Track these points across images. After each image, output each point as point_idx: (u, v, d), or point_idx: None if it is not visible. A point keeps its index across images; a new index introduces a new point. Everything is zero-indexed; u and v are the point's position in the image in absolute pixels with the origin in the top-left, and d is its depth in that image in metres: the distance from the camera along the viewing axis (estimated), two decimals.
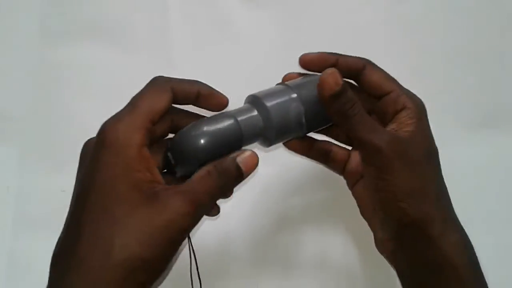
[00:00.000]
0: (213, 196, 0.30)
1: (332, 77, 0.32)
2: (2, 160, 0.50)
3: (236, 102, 0.51)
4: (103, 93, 0.52)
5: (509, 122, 0.53)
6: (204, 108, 0.35)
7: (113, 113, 0.51)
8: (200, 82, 0.34)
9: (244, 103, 0.35)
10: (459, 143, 0.52)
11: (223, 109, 0.35)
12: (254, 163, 0.32)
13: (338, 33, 0.53)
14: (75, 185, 0.31)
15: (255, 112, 0.33)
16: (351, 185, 0.38)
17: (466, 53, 0.53)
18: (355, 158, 0.37)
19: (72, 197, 0.30)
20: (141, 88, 0.32)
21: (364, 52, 0.52)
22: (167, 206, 0.28)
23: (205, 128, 0.31)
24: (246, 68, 0.52)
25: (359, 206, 0.37)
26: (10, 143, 0.50)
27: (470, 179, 0.52)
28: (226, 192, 0.32)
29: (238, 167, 0.31)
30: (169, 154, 0.32)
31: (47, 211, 0.49)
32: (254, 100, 0.34)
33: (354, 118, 0.32)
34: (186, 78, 0.53)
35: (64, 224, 0.30)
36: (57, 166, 0.50)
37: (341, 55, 0.36)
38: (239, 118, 0.32)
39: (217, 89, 0.51)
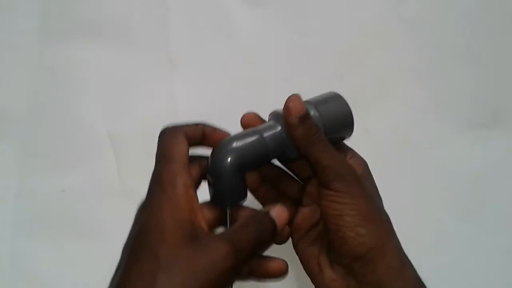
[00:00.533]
0: (252, 245, 0.31)
1: (297, 100, 0.34)
2: (2, 160, 0.50)
3: (235, 101, 0.51)
4: (103, 92, 0.52)
5: (509, 122, 0.53)
6: (210, 146, 0.36)
7: (112, 112, 0.52)
8: (203, 123, 0.36)
9: (268, 119, 0.37)
10: (459, 143, 0.52)
11: None
12: (286, 218, 0.33)
13: (338, 32, 0.53)
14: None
15: (279, 128, 0.35)
16: (296, 241, 0.38)
17: (467, 53, 0.53)
18: (303, 213, 0.38)
19: (126, 238, 0.31)
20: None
21: (365, 51, 0.53)
22: (208, 247, 0.29)
23: (234, 145, 0.33)
24: (245, 67, 0.52)
25: (303, 260, 0.37)
26: (10, 142, 0.51)
27: (469, 179, 0.52)
28: (263, 245, 0.33)
29: (272, 220, 0.32)
30: (208, 175, 0.34)
31: (47, 211, 0.49)
32: (276, 116, 0.36)
33: (318, 144, 0.34)
34: (189, 84, 0.53)
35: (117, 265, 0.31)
36: (57, 166, 0.50)
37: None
38: (264, 134, 0.34)
39: (217, 86, 0.51)
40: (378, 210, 0.34)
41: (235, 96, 0.51)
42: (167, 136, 0.33)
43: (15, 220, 0.48)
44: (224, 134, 0.35)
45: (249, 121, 0.36)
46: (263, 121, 0.37)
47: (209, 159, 0.34)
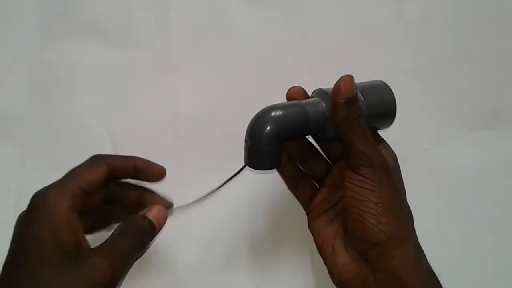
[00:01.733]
0: (129, 253, 0.33)
1: (349, 82, 0.34)
2: (3, 160, 0.50)
3: (235, 101, 0.51)
4: (103, 93, 0.52)
5: (509, 122, 0.53)
6: (144, 180, 0.37)
7: (112, 112, 0.52)
8: (137, 157, 0.37)
9: (311, 95, 0.38)
10: (459, 143, 0.52)
11: (162, 179, 0.37)
12: (163, 217, 0.35)
13: (339, 32, 0.53)
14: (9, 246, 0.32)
15: (324, 105, 0.35)
16: (311, 220, 0.39)
17: (467, 53, 0.53)
18: (323, 194, 0.39)
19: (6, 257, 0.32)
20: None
21: (365, 51, 0.53)
22: (87, 264, 0.30)
23: (276, 113, 0.34)
24: (245, 66, 0.52)
25: (317, 240, 0.38)
26: (11, 143, 0.50)
27: (470, 179, 0.52)
28: (143, 246, 0.34)
29: (150, 222, 0.34)
30: (246, 138, 0.35)
31: None
32: (322, 94, 0.36)
33: (357, 129, 0.34)
34: (189, 84, 0.53)
35: None
36: (58, 166, 0.50)
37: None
38: (307, 108, 0.35)
39: (217, 86, 0.51)
40: (401, 203, 0.35)
41: (235, 95, 0.52)
42: (87, 160, 0.35)
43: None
44: (158, 168, 0.37)
45: (295, 95, 0.37)
46: (308, 97, 0.37)
47: (250, 122, 0.35)
